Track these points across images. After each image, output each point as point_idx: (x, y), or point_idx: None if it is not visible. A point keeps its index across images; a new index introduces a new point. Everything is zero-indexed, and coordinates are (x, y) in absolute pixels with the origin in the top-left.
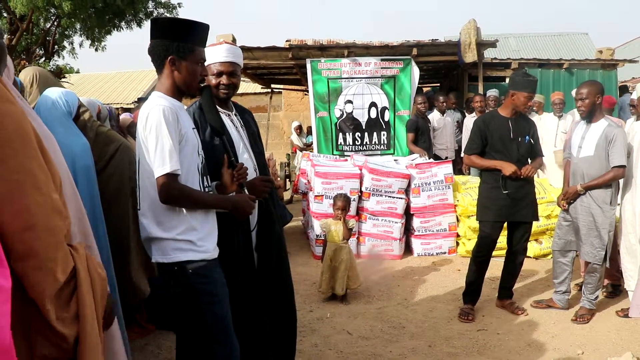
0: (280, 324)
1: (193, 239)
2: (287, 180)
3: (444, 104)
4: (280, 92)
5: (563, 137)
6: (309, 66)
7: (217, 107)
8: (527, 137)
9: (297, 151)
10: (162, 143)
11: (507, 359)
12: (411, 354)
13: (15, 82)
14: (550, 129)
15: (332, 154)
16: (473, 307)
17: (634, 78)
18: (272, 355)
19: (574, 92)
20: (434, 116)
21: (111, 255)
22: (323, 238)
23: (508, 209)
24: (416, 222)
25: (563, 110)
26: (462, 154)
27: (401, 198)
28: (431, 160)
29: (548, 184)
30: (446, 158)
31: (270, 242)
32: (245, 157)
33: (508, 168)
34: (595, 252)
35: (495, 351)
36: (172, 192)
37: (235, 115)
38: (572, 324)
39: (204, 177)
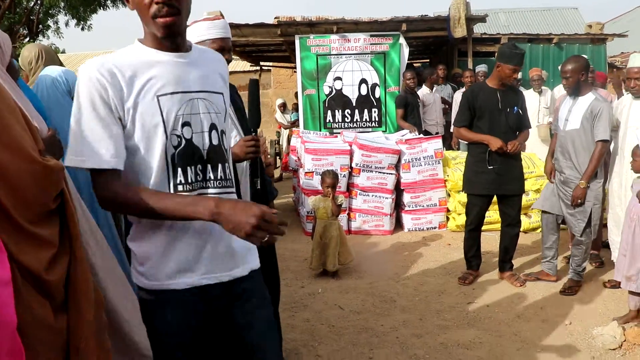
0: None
1: (137, 253)
2: (277, 157)
3: (434, 77)
4: (269, 70)
5: (545, 112)
6: (297, 43)
7: None
8: (515, 108)
9: (282, 129)
10: (79, 127)
11: (497, 330)
12: (402, 327)
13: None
14: (532, 104)
15: (320, 132)
16: (474, 272)
17: (622, 53)
18: None
19: None
20: (424, 92)
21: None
22: (313, 215)
23: (494, 183)
24: (406, 198)
25: (551, 85)
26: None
27: (391, 174)
28: (421, 135)
29: (537, 158)
30: (437, 133)
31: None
32: (234, 134)
33: (494, 143)
34: (578, 225)
35: (485, 323)
36: (104, 194)
37: None
38: (561, 295)
39: (179, 170)
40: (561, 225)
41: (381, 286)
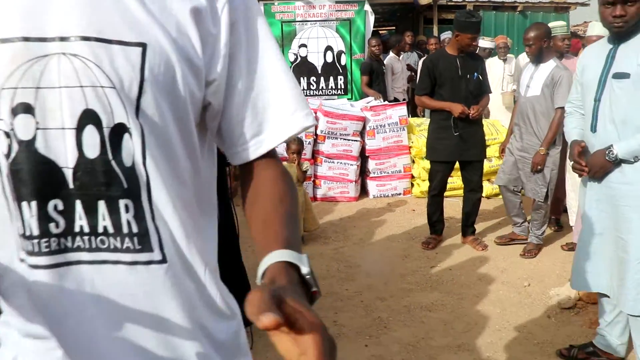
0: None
1: None
2: None
3: (400, 44)
4: None
5: (509, 79)
6: (261, 9)
7: None
8: (475, 74)
9: None
10: None
11: (459, 292)
12: (367, 291)
13: None
14: (496, 72)
15: None
16: (437, 236)
17: (585, 22)
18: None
19: None
20: (390, 59)
21: None
22: None
23: (457, 149)
24: (371, 164)
25: (515, 53)
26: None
27: (356, 140)
28: (386, 102)
29: (500, 125)
30: (404, 100)
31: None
32: None
33: (456, 109)
34: (539, 190)
35: (447, 286)
36: None
37: None
38: (521, 258)
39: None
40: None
41: (346, 252)
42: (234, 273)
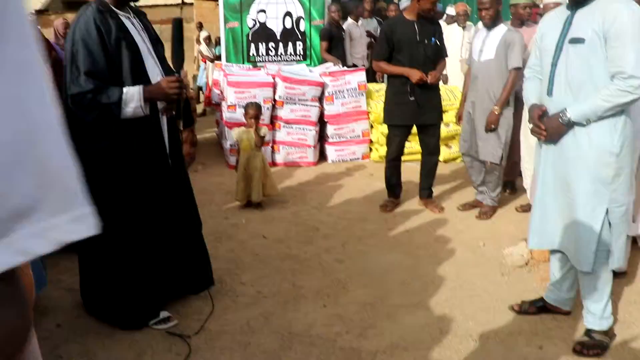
0: (188, 231)
1: None
2: (200, 92)
3: (359, 10)
4: (191, 4)
5: (468, 47)
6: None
7: (115, 9)
8: (432, 39)
9: (207, 62)
10: None
11: (416, 253)
12: (325, 253)
13: None
14: (455, 39)
15: (243, 65)
16: (395, 200)
17: None
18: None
19: None
20: (350, 25)
21: None
22: (237, 147)
23: (414, 113)
24: (330, 130)
25: (474, 21)
26: None
27: (315, 106)
28: (345, 68)
29: (458, 91)
30: (363, 66)
31: (177, 150)
32: (150, 62)
33: (414, 75)
34: (494, 151)
35: (404, 247)
36: None
37: (134, 17)
38: (477, 220)
39: None
40: None
41: (305, 215)
42: (194, 242)
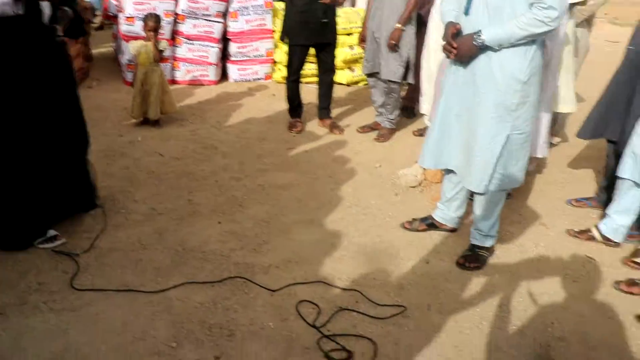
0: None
1: None
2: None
3: None
4: None
5: None
6: None
7: None
8: None
9: None
10: None
11: (313, 173)
12: (222, 171)
13: None
14: None
15: None
16: (299, 119)
17: None
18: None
19: None
20: None
21: None
22: (134, 62)
23: (312, 33)
24: (233, 48)
25: None
26: None
27: (218, 22)
28: None
29: (364, 12)
30: None
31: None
32: None
33: None
34: (396, 70)
35: (302, 166)
36: None
37: None
38: (375, 142)
39: None
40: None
41: (203, 134)
42: (79, 161)
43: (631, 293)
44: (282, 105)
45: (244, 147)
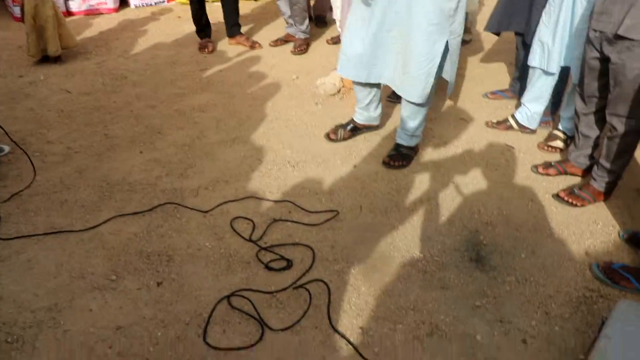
0: None
1: None
2: None
3: None
4: None
5: None
6: None
7: None
8: None
9: None
10: None
11: (230, 91)
12: (136, 101)
13: None
14: None
15: None
16: (209, 39)
17: None
18: None
19: None
20: None
21: None
22: None
23: None
24: None
25: None
26: None
27: None
28: None
29: None
30: None
31: None
32: None
33: None
34: None
35: (218, 86)
36: None
37: None
38: (290, 55)
39: None
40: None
41: (110, 65)
42: None
43: (547, 174)
44: (190, 27)
45: (155, 73)
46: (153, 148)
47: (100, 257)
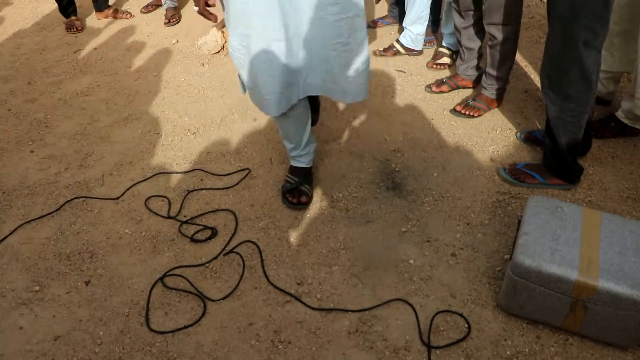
0: None
1: None
2: None
3: None
4: None
5: None
6: None
7: None
8: None
9: None
10: None
11: (111, 69)
12: (11, 97)
13: None
14: None
15: None
16: (76, 16)
17: None
18: None
19: None
20: None
21: None
22: None
23: None
24: None
25: None
26: None
27: None
28: None
29: None
30: None
31: None
32: None
33: None
34: None
35: (97, 65)
36: None
37: None
38: (164, 26)
39: None
40: None
41: None
42: None
43: (441, 91)
44: (51, 6)
45: (25, 64)
46: (44, 144)
47: (17, 270)
